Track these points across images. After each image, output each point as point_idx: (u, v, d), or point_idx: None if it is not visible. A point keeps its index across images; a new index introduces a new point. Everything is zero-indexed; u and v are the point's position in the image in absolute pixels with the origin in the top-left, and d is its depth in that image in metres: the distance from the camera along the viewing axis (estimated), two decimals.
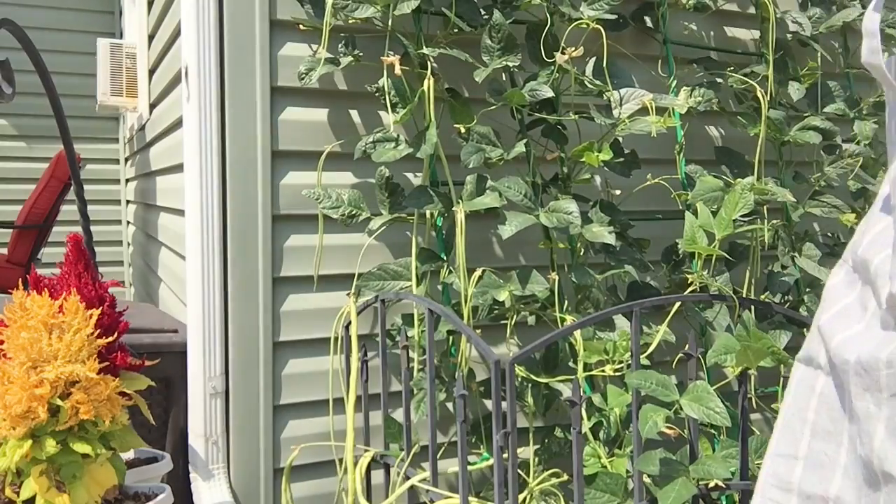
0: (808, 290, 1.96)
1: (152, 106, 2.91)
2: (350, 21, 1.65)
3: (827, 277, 0.95)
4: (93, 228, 2.42)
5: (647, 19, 1.95)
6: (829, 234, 2.20)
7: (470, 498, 1.32)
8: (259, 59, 1.61)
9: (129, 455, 1.42)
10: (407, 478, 1.43)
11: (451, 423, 1.79)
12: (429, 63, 1.63)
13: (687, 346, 1.40)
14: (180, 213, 2.00)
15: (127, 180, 4.42)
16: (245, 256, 1.63)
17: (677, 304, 1.63)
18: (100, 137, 4.73)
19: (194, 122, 1.58)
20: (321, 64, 1.59)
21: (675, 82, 1.94)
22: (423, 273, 1.65)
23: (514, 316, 1.74)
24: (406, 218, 1.68)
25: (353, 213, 1.64)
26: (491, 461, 1.66)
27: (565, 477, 1.56)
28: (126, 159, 4.50)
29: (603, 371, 1.60)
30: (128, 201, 4.38)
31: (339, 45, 1.64)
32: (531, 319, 1.78)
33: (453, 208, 1.63)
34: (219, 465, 1.64)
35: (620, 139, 1.76)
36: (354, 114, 1.72)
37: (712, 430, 1.73)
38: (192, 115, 1.59)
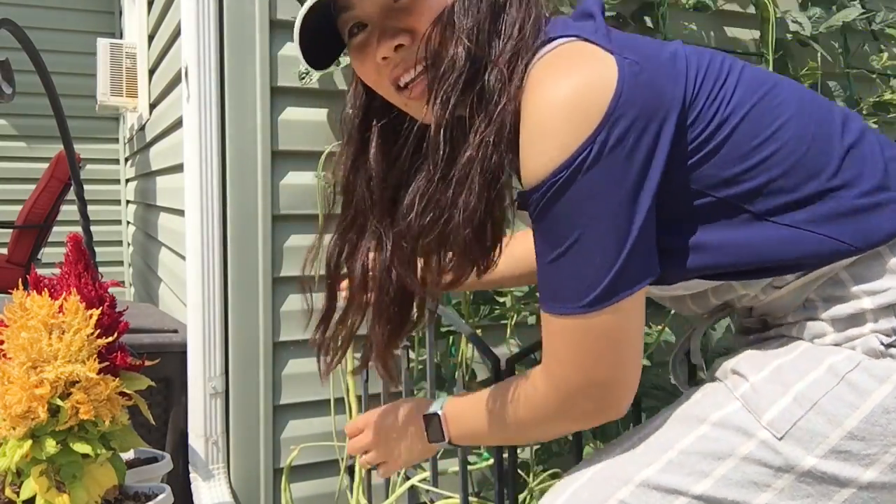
0: None
1: (152, 106, 2.91)
2: None
3: None
4: (93, 228, 2.43)
5: (647, 19, 1.95)
6: None
7: (470, 498, 1.32)
8: (259, 59, 1.61)
9: (129, 455, 1.42)
10: (407, 478, 1.43)
11: None
12: None
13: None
14: (180, 213, 2.00)
15: (127, 180, 4.42)
16: (245, 256, 1.63)
17: None
18: (100, 137, 4.73)
19: (194, 122, 1.58)
20: None
21: None
22: None
23: (515, 316, 1.74)
24: None
25: None
26: (491, 461, 1.66)
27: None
28: (126, 159, 4.50)
29: None
30: (128, 201, 4.37)
31: None
32: (531, 319, 1.78)
33: None
34: (219, 465, 1.64)
35: None
36: None
37: None
38: (192, 115, 1.58)
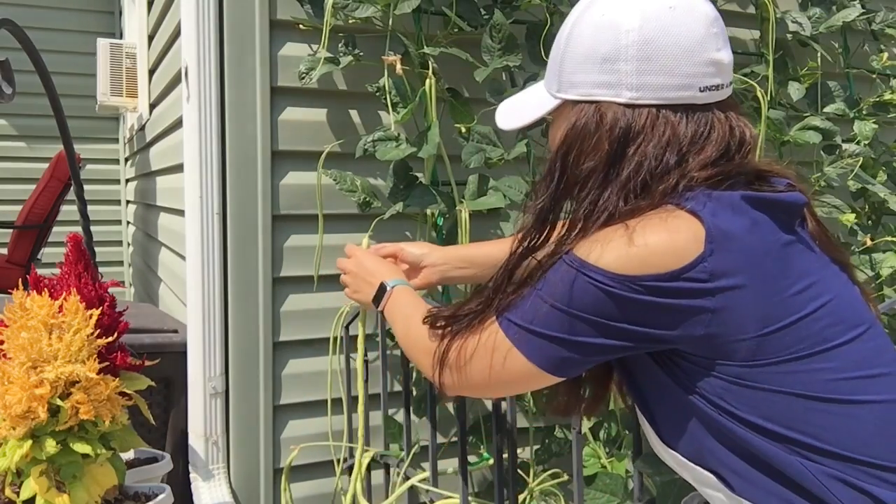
0: None
1: (152, 106, 2.91)
2: (350, 21, 1.65)
3: None
4: (93, 228, 2.42)
5: None
6: None
7: (470, 498, 1.32)
8: (259, 59, 1.61)
9: (129, 455, 1.42)
10: (407, 478, 1.43)
11: (451, 423, 1.79)
12: (430, 63, 1.63)
13: None
14: (180, 213, 2.00)
15: (127, 180, 4.42)
16: (245, 256, 1.63)
17: None
18: (100, 137, 4.73)
19: (194, 122, 1.58)
20: (321, 64, 1.59)
21: None
22: None
23: None
24: (409, 214, 1.68)
25: (368, 200, 1.64)
26: (491, 461, 1.66)
27: (565, 477, 1.56)
28: (126, 159, 4.50)
29: None
30: (128, 201, 4.37)
31: (339, 45, 1.63)
32: None
33: (457, 208, 1.63)
34: (219, 465, 1.64)
35: None
36: (354, 114, 1.72)
37: None
38: (192, 115, 1.58)
